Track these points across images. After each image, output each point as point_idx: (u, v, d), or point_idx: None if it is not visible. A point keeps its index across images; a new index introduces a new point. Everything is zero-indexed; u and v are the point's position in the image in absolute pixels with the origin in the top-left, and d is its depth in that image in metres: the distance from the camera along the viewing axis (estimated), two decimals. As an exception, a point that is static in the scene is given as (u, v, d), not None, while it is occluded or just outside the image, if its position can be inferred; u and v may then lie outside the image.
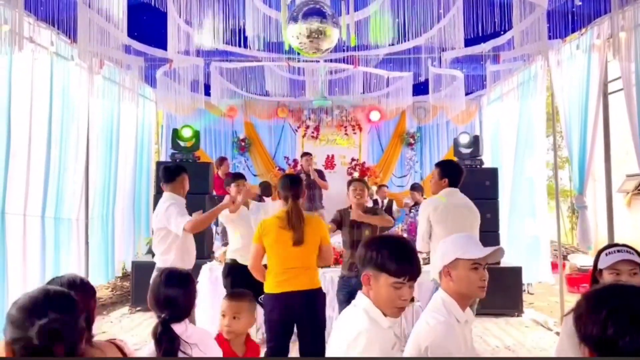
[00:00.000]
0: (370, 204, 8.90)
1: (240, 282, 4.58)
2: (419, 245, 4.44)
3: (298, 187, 3.89)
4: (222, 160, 9.17)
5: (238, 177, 5.38)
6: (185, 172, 4.57)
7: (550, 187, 7.75)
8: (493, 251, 2.21)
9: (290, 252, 3.72)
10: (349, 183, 4.92)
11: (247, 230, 4.93)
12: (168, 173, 4.53)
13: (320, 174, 9.12)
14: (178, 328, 2.28)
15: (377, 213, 4.74)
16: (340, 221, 4.84)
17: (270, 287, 3.76)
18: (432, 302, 2.27)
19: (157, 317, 2.33)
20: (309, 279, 3.76)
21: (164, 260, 4.27)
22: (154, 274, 3.88)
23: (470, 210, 4.48)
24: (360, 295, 2.03)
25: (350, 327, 1.92)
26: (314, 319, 3.75)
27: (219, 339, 2.82)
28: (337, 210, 4.99)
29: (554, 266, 7.70)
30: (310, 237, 3.77)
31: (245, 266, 4.04)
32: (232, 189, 5.15)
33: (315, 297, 3.77)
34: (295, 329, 3.79)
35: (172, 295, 2.35)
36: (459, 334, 2.11)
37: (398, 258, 1.93)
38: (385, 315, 1.96)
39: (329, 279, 5.39)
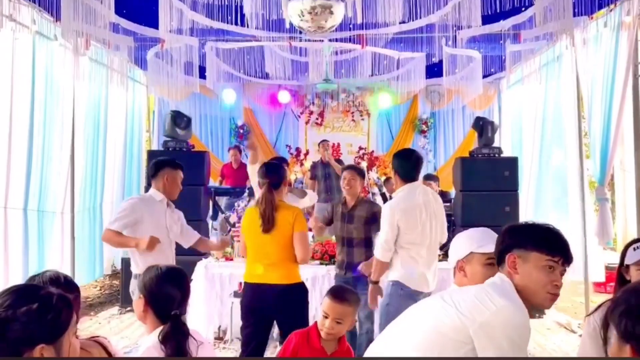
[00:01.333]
0: (379, 197, 8.96)
1: None
2: (382, 254, 4.01)
3: (275, 175, 3.98)
4: (235, 148, 9.25)
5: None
6: (169, 167, 4.30)
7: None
8: None
9: (261, 242, 3.85)
10: (342, 172, 4.96)
11: None
12: (151, 167, 4.41)
13: (339, 161, 9.15)
14: None
15: (371, 221, 4.67)
16: (331, 216, 4.88)
17: (246, 275, 3.97)
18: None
19: (161, 315, 2.34)
20: (282, 272, 3.83)
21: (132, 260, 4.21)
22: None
23: (432, 209, 4.12)
24: (500, 275, 1.93)
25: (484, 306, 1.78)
26: (288, 316, 3.83)
27: (313, 332, 2.88)
28: (330, 203, 5.03)
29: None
30: (282, 226, 3.83)
31: None
32: None
33: (289, 293, 3.84)
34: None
35: (174, 295, 2.37)
36: None
37: (552, 236, 1.90)
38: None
39: (311, 273, 5.44)
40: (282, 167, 4.24)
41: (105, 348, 2.07)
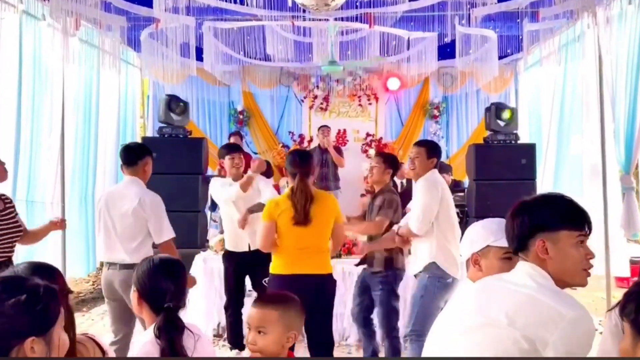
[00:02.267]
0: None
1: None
2: (419, 227, 4.23)
3: (307, 163, 4.02)
4: (236, 134, 9.24)
5: (232, 148, 5.41)
6: (150, 155, 4.38)
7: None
8: None
9: (298, 233, 3.89)
10: None
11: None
12: (131, 153, 4.36)
13: (338, 150, 9.19)
14: None
15: (382, 207, 4.63)
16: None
17: (277, 267, 3.98)
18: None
19: (155, 308, 2.36)
20: (320, 262, 3.96)
21: (137, 257, 4.07)
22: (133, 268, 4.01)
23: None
24: (534, 268, 1.84)
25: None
26: (322, 306, 3.97)
27: None
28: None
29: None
30: (320, 216, 3.91)
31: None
32: (226, 162, 5.25)
33: (325, 283, 3.99)
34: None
35: (167, 287, 2.39)
36: None
37: (575, 208, 1.86)
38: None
39: (339, 271, 5.32)
40: (311, 155, 4.34)
41: (97, 344, 2.10)
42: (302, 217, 3.85)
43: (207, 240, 6.78)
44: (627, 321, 1.54)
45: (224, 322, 5.70)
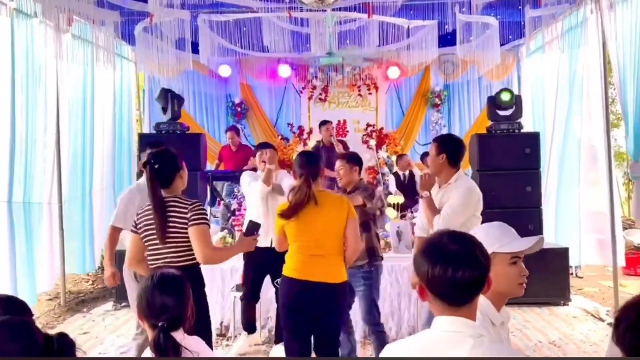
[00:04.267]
0: (392, 178, 8.99)
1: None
2: (437, 226, 4.01)
3: (315, 165, 3.98)
4: (232, 130, 9.23)
5: (263, 146, 5.51)
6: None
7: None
8: (536, 242, 2.23)
9: (306, 235, 3.85)
10: None
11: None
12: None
13: (345, 145, 9.12)
14: (176, 337, 2.36)
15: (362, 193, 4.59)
16: None
17: (287, 270, 3.93)
18: None
19: (151, 325, 2.39)
20: (326, 269, 3.84)
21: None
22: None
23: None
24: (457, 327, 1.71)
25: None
26: (325, 318, 3.88)
27: None
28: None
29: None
30: (327, 219, 3.85)
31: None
32: (256, 158, 5.36)
33: (331, 293, 3.85)
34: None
35: (167, 303, 2.40)
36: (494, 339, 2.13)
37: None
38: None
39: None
40: (320, 157, 4.30)
41: None
42: (290, 212, 3.81)
43: (208, 238, 6.80)
44: (619, 345, 1.55)
45: (226, 321, 5.75)
